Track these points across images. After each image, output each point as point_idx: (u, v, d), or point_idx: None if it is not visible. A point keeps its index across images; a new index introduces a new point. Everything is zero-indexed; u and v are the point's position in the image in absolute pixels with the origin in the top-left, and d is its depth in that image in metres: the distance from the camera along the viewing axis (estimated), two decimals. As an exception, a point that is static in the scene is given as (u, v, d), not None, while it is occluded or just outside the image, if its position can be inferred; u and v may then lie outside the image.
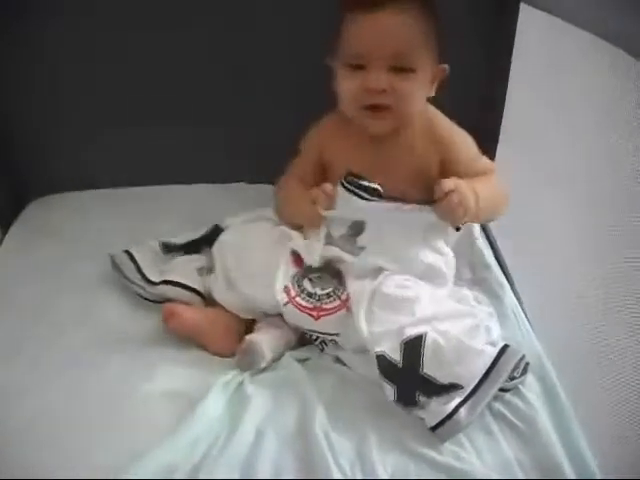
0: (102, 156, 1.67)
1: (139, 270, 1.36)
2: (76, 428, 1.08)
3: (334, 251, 1.25)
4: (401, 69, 1.18)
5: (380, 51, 1.17)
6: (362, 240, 1.24)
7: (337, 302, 1.23)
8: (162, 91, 1.60)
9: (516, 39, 1.51)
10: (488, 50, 1.56)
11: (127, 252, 1.39)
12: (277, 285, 1.24)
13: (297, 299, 1.23)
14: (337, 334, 1.22)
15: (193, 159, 1.68)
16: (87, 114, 1.62)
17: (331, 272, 1.27)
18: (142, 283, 1.35)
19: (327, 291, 1.24)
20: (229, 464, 1.03)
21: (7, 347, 1.24)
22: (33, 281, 1.41)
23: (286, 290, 1.24)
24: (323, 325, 1.22)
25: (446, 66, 1.25)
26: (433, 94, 1.27)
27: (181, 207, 1.61)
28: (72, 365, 1.20)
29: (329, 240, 1.26)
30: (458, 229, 1.27)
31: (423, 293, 1.21)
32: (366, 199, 1.21)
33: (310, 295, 1.23)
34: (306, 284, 1.25)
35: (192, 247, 1.41)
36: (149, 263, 1.37)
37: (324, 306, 1.22)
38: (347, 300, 1.22)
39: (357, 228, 1.25)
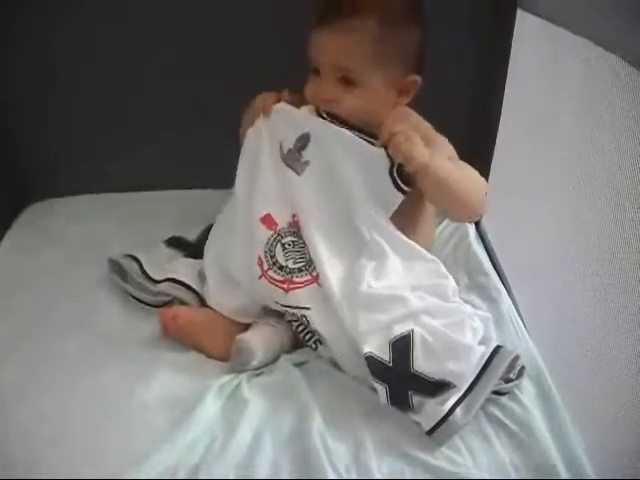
0: (101, 161, 1.67)
1: (142, 269, 1.38)
2: (73, 432, 1.08)
3: (284, 170, 1.28)
4: (348, 81, 1.25)
5: (324, 61, 1.26)
6: (307, 154, 1.27)
7: (308, 277, 1.25)
8: (163, 97, 1.62)
9: (513, 45, 1.51)
10: (485, 56, 1.57)
11: (129, 255, 1.41)
12: (253, 257, 1.27)
13: (269, 272, 1.26)
14: (308, 308, 1.23)
15: (191, 164, 1.69)
16: (88, 119, 1.64)
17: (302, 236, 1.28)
18: (144, 282, 1.36)
19: (299, 265, 1.26)
20: (226, 467, 1.03)
21: (4, 350, 1.24)
22: (31, 284, 1.41)
23: (259, 263, 1.26)
24: (293, 298, 1.24)
25: (416, 77, 1.28)
26: (403, 103, 1.32)
27: (179, 212, 1.62)
28: (69, 369, 1.20)
29: (281, 155, 1.29)
30: (406, 188, 1.23)
31: (402, 282, 1.23)
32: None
33: (281, 268, 1.26)
34: (279, 254, 1.27)
35: (193, 249, 1.43)
36: (152, 263, 1.39)
37: (294, 279, 1.25)
38: (318, 276, 1.24)
39: (303, 141, 1.28)
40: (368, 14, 1.22)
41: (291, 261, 1.26)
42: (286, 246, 1.27)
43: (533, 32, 1.42)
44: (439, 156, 1.23)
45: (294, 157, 1.28)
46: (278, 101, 1.30)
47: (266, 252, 1.27)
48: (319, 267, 1.23)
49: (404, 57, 1.26)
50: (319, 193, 1.27)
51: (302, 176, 1.27)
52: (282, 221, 1.29)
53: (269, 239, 1.28)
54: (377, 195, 1.25)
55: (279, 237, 1.28)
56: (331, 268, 1.23)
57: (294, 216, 1.28)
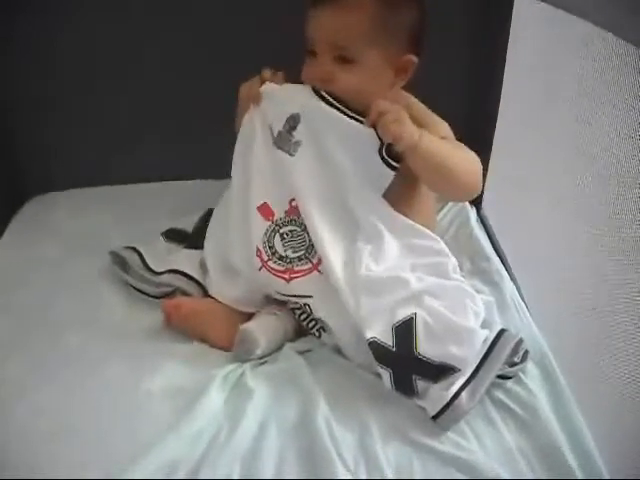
0: (101, 154, 1.68)
1: (143, 261, 1.37)
2: (77, 425, 1.08)
3: (276, 154, 1.27)
4: (345, 60, 1.24)
5: (320, 39, 1.24)
6: (298, 134, 1.26)
7: (308, 265, 1.25)
8: (160, 90, 1.62)
9: (511, 29, 1.51)
10: (484, 40, 1.56)
11: (130, 247, 1.40)
12: (252, 249, 1.27)
13: (269, 263, 1.25)
14: (310, 296, 1.23)
15: (189, 156, 1.69)
16: (86, 113, 1.63)
17: (300, 224, 1.27)
18: (145, 274, 1.36)
19: (298, 254, 1.25)
20: (232, 456, 1.03)
21: (6, 344, 1.24)
22: (32, 278, 1.41)
23: (258, 254, 1.26)
24: (295, 287, 1.24)
25: (412, 57, 1.27)
26: (402, 84, 1.31)
27: (179, 203, 1.62)
28: (72, 362, 1.20)
29: (273, 139, 1.28)
30: (395, 164, 1.23)
31: (399, 260, 1.23)
32: None
33: (281, 258, 1.26)
34: (277, 244, 1.26)
35: (192, 240, 1.43)
36: (152, 255, 1.39)
37: (295, 268, 1.25)
38: (319, 263, 1.24)
39: (293, 122, 1.27)
40: None
41: (290, 250, 1.26)
42: (284, 236, 1.27)
43: (532, 15, 1.42)
44: (430, 135, 1.22)
45: (285, 138, 1.27)
46: (263, 83, 1.29)
47: (264, 243, 1.27)
48: (321, 250, 1.23)
49: (401, 36, 1.25)
50: (314, 172, 1.26)
51: (295, 156, 1.26)
52: (279, 210, 1.28)
53: (267, 230, 1.27)
54: (368, 175, 1.24)
55: (277, 227, 1.27)
56: (333, 250, 1.22)
57: (292, 201, 1.27)
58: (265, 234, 1.27)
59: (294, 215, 1.27)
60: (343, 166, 1.24)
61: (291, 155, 1.26)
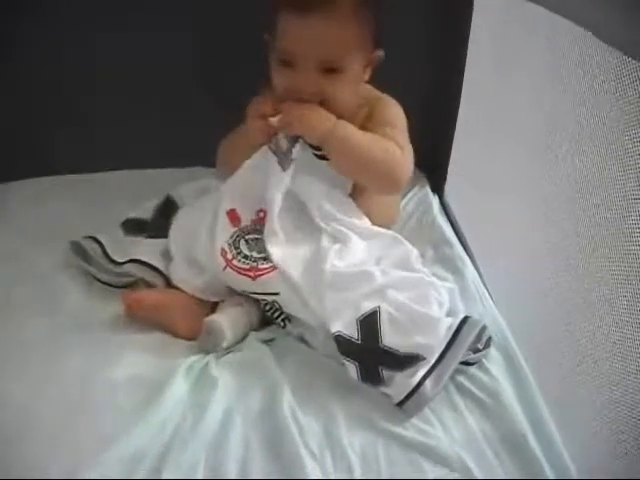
0: (59, 142, 1.65)
1: (104, 251, 1.36)
2: (40, 417, 1.06)
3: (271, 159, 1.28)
4: (330, 69, 1.23)
5: (308, 54, 1.22)
6: (295, 152, 1.27)
7: (272, 263, 1.24)
8: (121, 76, 1.60)
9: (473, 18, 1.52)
10: (445, 29, 1.57)
11: (91, 237, 1.38)
12: (216, 250, 1.26)
13: (234, 262, 1.25)
14: (277, 293, 1.23)
15: (151, 144, 1.67)
16: (45, 100, 1.61)
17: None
18: (107, 264, 1.35)
19: (263, 255, 1.25)
20: (197, 446, 1.02)
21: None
22: (-9, 269, 1.38)
23: (223, 254, 1.25)
24: (262, 285, 1.23)
25: (381, 52, 1.28)
26: (367, 79, 1.31)
27: (139, 192, 1.59)
28: (33, 354, 1.18)
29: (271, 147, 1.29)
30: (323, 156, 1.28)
31: (365, 256, 1.25)
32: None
33: (246, 257, 1.25)
34: (242, 246, 1.27)
35: (152, 228, 1.42)
36: (113, 245, 1.37)
37: (260, 266, 1.24)
38: None
39: (294, 140, 1.28)
40: None
41: (255, 251, 1.26)
42: (249, 241, 1.27)
43: (493, 4, 1.43)
44: (346, 125, 1.24)
45: (285, 154, 1.28)
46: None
47: (229, 244, 1.27)
48: (276, 261, 1.23)
49: (373, 33, 1.25)
50: (290, 191, 1.28)
51: (285, 172, 1.27)
52: (245, 218, 1.29)
53: (233, 234, 1.28)
54: (330, 181, 1.29)
55: (242, 233, 1.28)
56: (289, 260, 1.23)
57: (259, 212, 1.29)
58: (231, 237, 1.28)
59: (260, 225, 1.28)
60: (311, 184, 1.28)
61: (283, 170, 1.27)
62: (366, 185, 1.32)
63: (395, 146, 1.28)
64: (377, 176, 1.30)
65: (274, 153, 1.28)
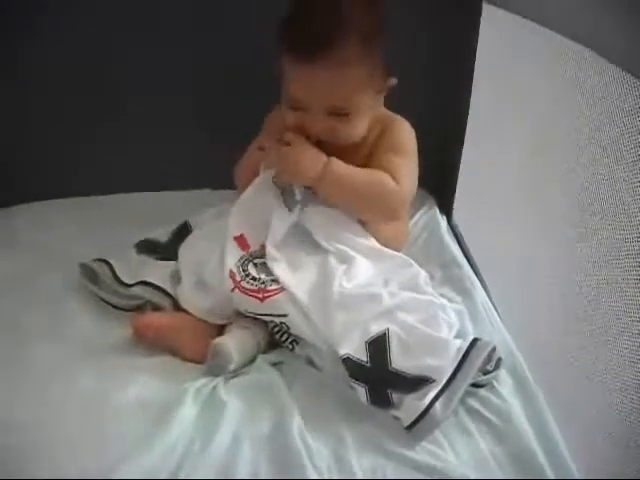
0: (66, 166, 1.66)
1: (113, 273, 1.36)
2: (47, 442, 1.06)
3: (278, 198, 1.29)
4: (341, 114, 1.24)
5: (316, 102, 1.23)
6: (299, 192, 1.29)
7: (280, 285, 1.23)
8: (122, 100, 1.60)
9: (479, 39, 1.52)
10: (452, 51, 1.57)
11: (100, 259, 1.39)
12: (225, 271, 1.26)
13: (242, 283, 1.24)
14: (285, 315, 1.22)
15: (158, 167, 1.68)
16: (51, 125, 1.61)
17: None
18: (116, 286, 1.35)
19: (272, 277, 1.24)
20: (206, 469, 1.01)
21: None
22: (-1, 293, 1.38)
23: (231, 275, 1.25)
24: (270, 307, 1.23)
25: (393, 80, 1.29)
26: (381, 105, 1.33)
27: (146, 214, 1.60)
28: (42, 378, 1.18)
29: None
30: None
31: (374, 279, 1.24)
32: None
33: (254, 279, 1.25)
34: (251, 269, 1.26)
35: (165, 251, 1.42)
36: (123, 267, 1.37)
37: (268, 288, 1.23)
38: None
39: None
40: (347, 33, 1.19)
41: (264, 274, 1.25)
42: (258, 265, 1.27)
43: (499, 25, 1.43)
44: (336, 163, 1.25)
45: (290, 192, 1.29)
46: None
47: (238, 267, 1.27)
48: (283, 283, 1.23)
49: (381, 63, 1.25)
50: (293, 230, 1.29)
51: (291, 214, 1.29)
52: (254, 243, 1.30)
53: (241, 257, 1.28)
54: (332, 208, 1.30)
55: (251, 257, 1.28)
56: (296, 281, 1.23)
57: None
58: (239, 260, 1.28)
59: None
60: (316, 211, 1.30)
61: (290, 210, 1.29)
62: (361, 218, 1.33)
63: (389, 177, 1.28)
64: (370, 210, 1.32)
65: (277, 186, 1.30)
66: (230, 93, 1.60)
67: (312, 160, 1.25)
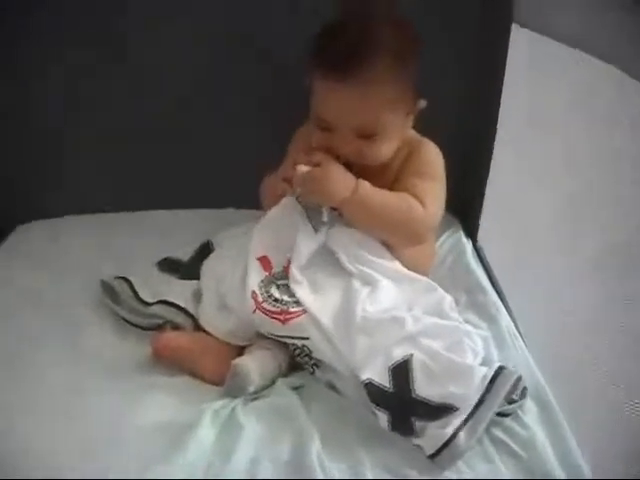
0: (85, 182, 1.66)
1: (134, 291, 1.35)
2: (66, 462, 1.05)
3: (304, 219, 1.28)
4: (368, 135, 1.23)
5: (344, 123, 1.23)
6: (326, 214, 1.27)
7: (302, 307, 1.22)
8: (145, 117, 1.60)
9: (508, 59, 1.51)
10: (480, 73, 1.56)
11: (120, 277, 1.38)
12: (247, 292, 1.24)
13: (264, 304, 1.23)
14: (307, 338, 1.20)
15: (178, 184, 1.68)
16: (68, 141, 1.61)
17: None
18: (136, 305, 1.34)
19: (294, 299, 1.23)
20: (223, 494, 1.00)
21: (-7, 378, 1.21)
22: (17, 310, 1.38)
23: (253, 296, 1.24)
24: (291, 329, 1.21)
25: (423, 102, 1.28)
26: (410, 127, 1.32)
27: (169, 232, 1.60)
28: (60, 397, 1.17)
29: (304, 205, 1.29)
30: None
31: (399, 302, 1.23)
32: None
33: (276, 300, 1.23)
34: (273, 290, 1.25)
35: (187, 270, 1.41)
36: (143, 285, 1.36)
37: (290, 310, 1.22)
38: None
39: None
40: (378, 52, 1.19)
41: (287, 295, 1.24)
42: (280, 287, 1.26)
43: (527, 46, 1.42)
44: (365, 186, 1.24)
45: (318, 212, 1.28)
46: None
47: (261, 288, 1.25)
48: (305, 305, 1.22)
49: (411, 85, 1.25)
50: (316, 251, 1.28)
51: (317, 235, 1.27)
52: (277, 264, 1.28)
53: (264, 278, 1.27)
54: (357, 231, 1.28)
55: (274, 278, 1.27)
56: (319, 304, 1.22)
57: (290, 261, 1.27)
58: (262, 281, 1.26)
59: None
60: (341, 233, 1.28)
61: (315, 231, 1.27)
62: (385, 241, 1.32)
63: (416, 202, 1.27)
64: (395, 234, 1.30)
65: (302, 206, 1.29)
66: (255, 110, 1.59)
67: (342, 181, 1.24)
